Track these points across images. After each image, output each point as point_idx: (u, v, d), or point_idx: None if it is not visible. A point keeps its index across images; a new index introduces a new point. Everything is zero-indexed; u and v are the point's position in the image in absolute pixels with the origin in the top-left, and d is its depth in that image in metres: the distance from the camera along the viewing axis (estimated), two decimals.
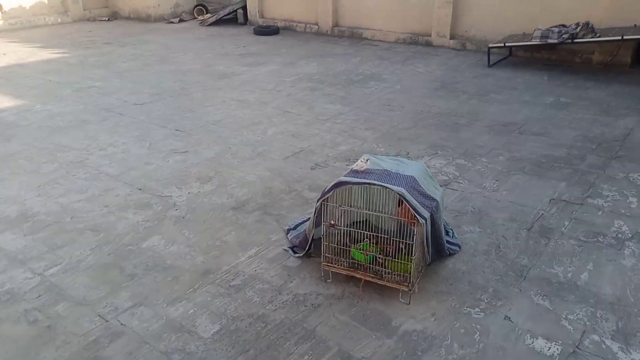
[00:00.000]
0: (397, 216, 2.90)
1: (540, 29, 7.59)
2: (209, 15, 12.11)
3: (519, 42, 7.80)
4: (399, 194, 2.73)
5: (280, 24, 11.19)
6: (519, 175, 4.45)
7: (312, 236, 3.21)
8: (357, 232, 3.05)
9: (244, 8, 11.71)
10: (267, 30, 10.79)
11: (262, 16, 11.61)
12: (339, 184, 2.86)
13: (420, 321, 2.81)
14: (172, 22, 12.21)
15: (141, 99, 6.73)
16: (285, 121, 5.85)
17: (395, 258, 2.94)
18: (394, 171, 2.93)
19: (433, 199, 2.92)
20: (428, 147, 5.08)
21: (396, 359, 2.57)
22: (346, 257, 3.07)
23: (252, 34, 10.88)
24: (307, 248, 3.29)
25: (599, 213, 3.83)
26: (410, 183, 2.83)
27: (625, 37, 6.88)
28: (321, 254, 3.10)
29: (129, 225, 3.79)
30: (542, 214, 3.84)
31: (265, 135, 5.45)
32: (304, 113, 6.11)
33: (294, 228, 3.65)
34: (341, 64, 8.30)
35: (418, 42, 9.53)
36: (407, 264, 2.93)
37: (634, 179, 4.32)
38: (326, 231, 3.03)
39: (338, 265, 3.07)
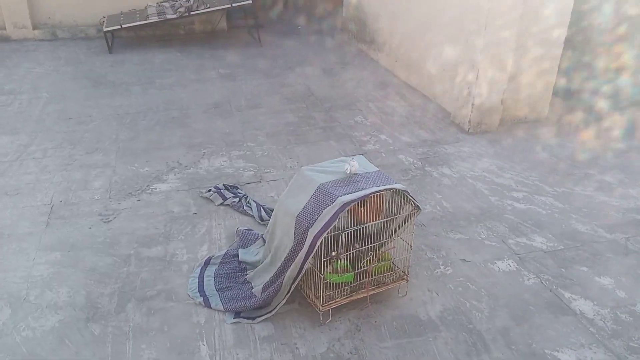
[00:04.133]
0: (361, 217, 2.70)
1: (152, 6, 7.34)
2: None
3: (135, 22, 7.30)
4: (403, 191, 2.56)
5: None
6: (329, 142, 4.60)
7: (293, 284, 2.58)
8: (357, 251, 2.66)
9: None
10: None
11: None
12: (344, 206, 2.40)
13: (434, 302, 2.83)
14: None
15: None
16: None
17: (379, 259, 2.77)
18: (361, 172, 2.65)
19: None
20: (189, 149, 4.47)
21: (466, 343, 2.58)
22: (332, 287, 2.65)
23: None
24: (280, 302, 2.63)
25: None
26: (386, 176, 2.65)
27: (234, 5, 7.51)
28: (315, 295, 2.58)
29: None
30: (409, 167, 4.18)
31: None
32: None
33: (204, 293, 2.79)
34: None
35: None
36: (389, 261, 2.81)
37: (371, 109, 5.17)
38: (325, 266, 2.51)
39: (339, 297, 2.63)
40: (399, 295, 2.86)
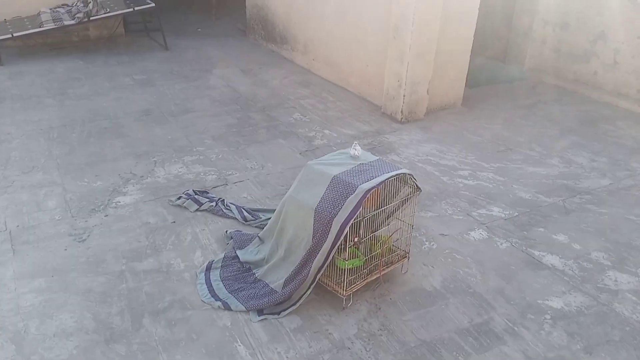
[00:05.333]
0: (368, 204, 2.86)
1: (46, 12, 6.77)
2: None
3: (27, 30, 6.68)
4: (409, 174, 2.76)
5: None
6: (277, 140, 4.60)
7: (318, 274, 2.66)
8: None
9: None
10: None
11: None
12: (367, 193, 2.53)
13: (433, 274, 3.07)
14: None
15: None
16: None
17: (382, 242, 2.95)
18: (366, 161, 2.80)
19: None
20: (137, 158, 4.27)
21: (474, 305, 2.85)
22: (351, 272, 2.78)
23: None
24: (305, 293, 2.69)
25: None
26: (388, 163, 2.83)
27: (136, 9, 7.19)
28: (336, 282, 2.68)
29: None
30: None
31: None
32: None
33: (219, 297, 2.77)
34: None
35: None
36: (390, 241, 3.00)
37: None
38: (345, 253, 2.63)
39: (358, 280, 2.77)
40: (402, 272, 3.07)
